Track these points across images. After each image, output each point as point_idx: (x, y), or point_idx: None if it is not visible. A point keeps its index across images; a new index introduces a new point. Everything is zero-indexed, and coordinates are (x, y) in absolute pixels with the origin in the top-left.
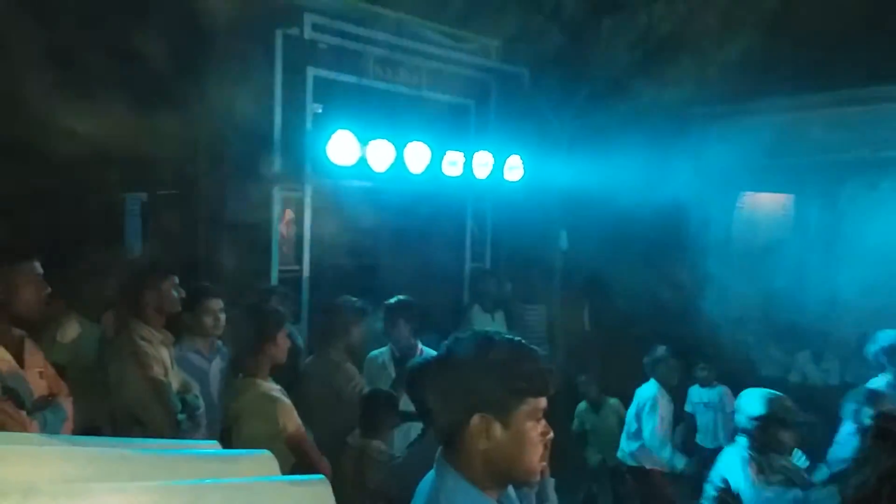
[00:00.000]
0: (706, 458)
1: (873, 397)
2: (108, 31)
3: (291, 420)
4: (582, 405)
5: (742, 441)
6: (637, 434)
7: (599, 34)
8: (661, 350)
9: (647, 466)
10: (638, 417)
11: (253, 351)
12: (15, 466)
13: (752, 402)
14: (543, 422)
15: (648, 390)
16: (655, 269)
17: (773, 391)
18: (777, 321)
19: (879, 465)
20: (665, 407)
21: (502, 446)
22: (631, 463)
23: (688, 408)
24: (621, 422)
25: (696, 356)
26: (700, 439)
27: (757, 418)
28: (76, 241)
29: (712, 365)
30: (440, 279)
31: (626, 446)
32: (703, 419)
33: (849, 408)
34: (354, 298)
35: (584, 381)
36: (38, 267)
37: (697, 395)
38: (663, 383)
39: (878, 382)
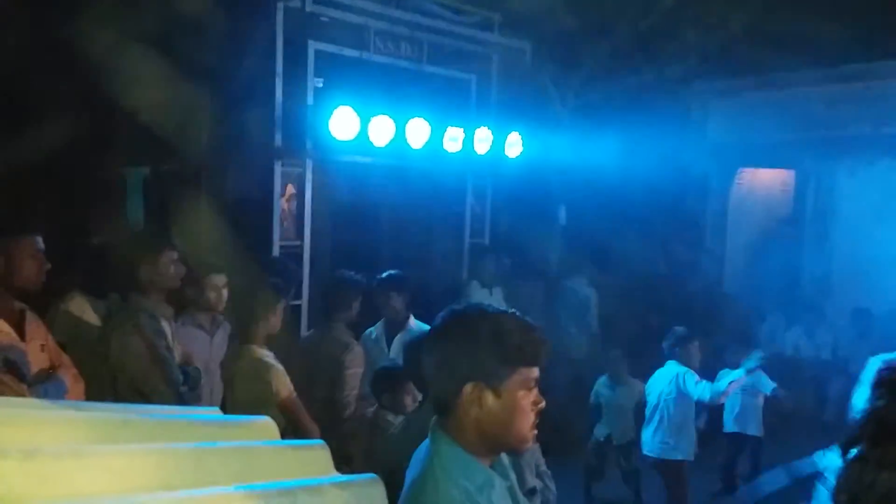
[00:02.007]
0: (732, 441)
1: None
2: (111, 4)
3: (284, 385)
4: (603, 379)
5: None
6: (661, 424)
7: (602, 9)
8: (681, 331)
9: (677, 458)
10: (670, 403)
11: (250, 322)
12: (17, 429)
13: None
14: (535, 391)
15: (672, 369)
16: (654, 245)
17: None
18: (773, 295)
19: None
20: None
21: (494, 414)
22: (660, 456)
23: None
24: (638, 405)
25: (728, 339)
26: (727, 423)
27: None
28: (77, 215)
29: (746, 349)
30: (439, 254)
31: (652, 438)
32: (731, 402)
33: None
34: (354, 273)
35: (614, 356)
36: (39, 242)
37: (727, 378)
38: (683, 364)
39: None
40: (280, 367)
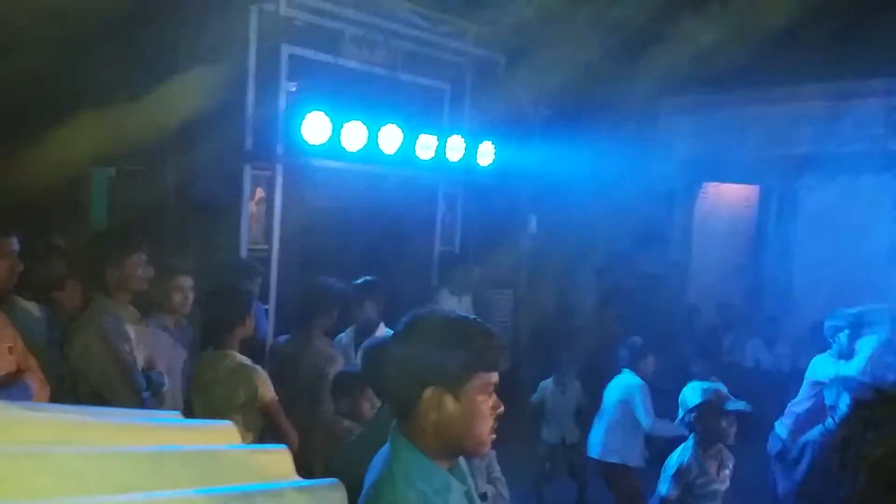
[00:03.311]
0: None
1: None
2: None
3: (268, 388)
4: (549, 381)
5: (691, 437)
6: (608, 428)
7: (574, 24)
8: (638, 342)
9: (626, 463)
10: (620, 409)
11: (225, 328)
12: None
13: (690, 394)
14: (494, 396)
15: (629, 379)
16: (622, 256)
17: (709, 382)
18: (736, 308)
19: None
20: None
21: (454, 419)
22: (609, 459)
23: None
24: (579, 407)
25: (692, 351)
26: None
27: (694, 408)
28: (40, 215)
29: (709, 361)
30: (409, 261)
31: (601, 440)
32: None
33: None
34: (334, 280)
35: (566, 357)
36: (14, 242)
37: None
38: (640, 376)
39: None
40: (263, 371)
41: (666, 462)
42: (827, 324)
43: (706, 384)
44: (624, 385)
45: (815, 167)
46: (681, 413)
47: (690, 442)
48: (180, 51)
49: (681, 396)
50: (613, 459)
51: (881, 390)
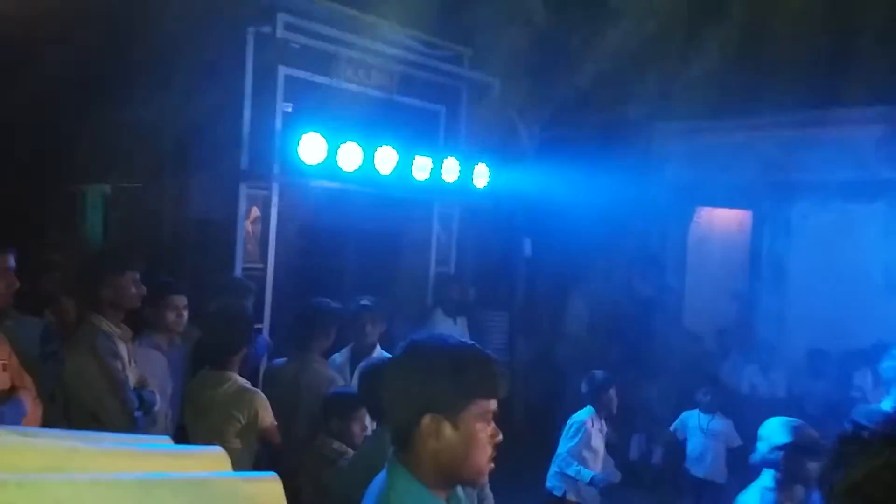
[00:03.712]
0: (694, 486)
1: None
2: (79, 21)
3: (268, 413)
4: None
5: (767, 474)
6: (556, 457)
7: (568, 48)
8: (600, 375)
9: (556, 493)
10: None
11: (227, 350)
12: None
13: (776, 430)
14: (493, 424)
15: (579, 416)
16: (616, 280)
17: (794, 419)
18: (729, 334)
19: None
20: (595, 436)
21: (452, 446)
22: (548, 486)
23: (677, 426)
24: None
25: (700, 380)
26: (690, 466)
27: (782, 447)
28: (35, 232)
29: (716, 391)
30: (404, 282)
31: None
32: (695, 444)
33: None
34: (329, 301)
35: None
36: (10, 260)
37: (696, 419)
38: (600, 410)
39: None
40: (263, 395)
41: (737, 501)
42: (885, 364)
43: (793, 421)
44: (573, 419)
45: (808, 194)
46: (763, 448)
47: (769, 482)
48: (178, 70)
49: (762, 430)
50: (551, 486)
51: (857, 425)
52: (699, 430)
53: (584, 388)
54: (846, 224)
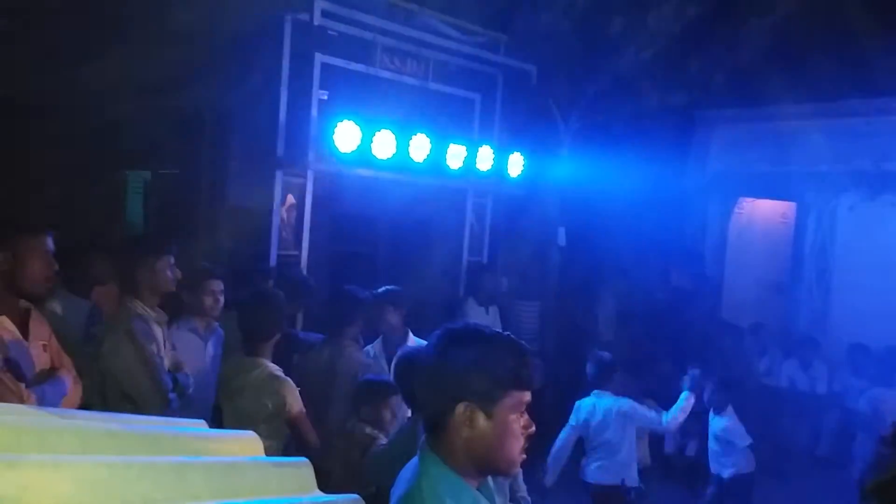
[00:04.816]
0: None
1: None
2: (114, 12)
3: (296, 400)
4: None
5: None
6: (602, 451)
7: (608, 34)
8: (605, 356)
9: (620, 483)
10: (604, 431)
11: (261, 336)
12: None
13: None
14: (526, 416)
15: (610, 402)
16: (652, 271)
17: None
18: (770, 327)
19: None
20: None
21: (485, 436)
22: (604, 481)
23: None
24: None
25: (708, 377)
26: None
27: None
28: (78, 217)
29: (726, 387)
30: (437, 271)
31: (594, 464)
32: (711, 445)
33: None
34: (357, 288)
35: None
36: (48, 242)
37: (714, 423)
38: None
39: None
40: (292, 382)
41: None
42: None
43: None
44: (607, 406)
45: (855, 185)
46: None
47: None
48: (216, 58)
49: None
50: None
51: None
52: (711, 433)
53: (589, 369)
54: (894, 217)
